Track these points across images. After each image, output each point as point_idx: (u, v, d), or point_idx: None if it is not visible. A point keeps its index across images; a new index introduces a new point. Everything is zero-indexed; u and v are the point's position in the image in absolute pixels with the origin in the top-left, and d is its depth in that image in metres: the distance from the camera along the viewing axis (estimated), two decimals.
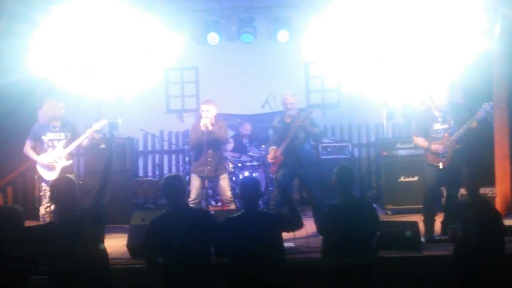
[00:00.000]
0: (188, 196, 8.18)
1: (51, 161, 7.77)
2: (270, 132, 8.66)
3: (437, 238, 7.33)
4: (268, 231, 5.27)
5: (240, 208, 6.59)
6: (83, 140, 7.89)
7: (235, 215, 5.51)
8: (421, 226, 7.31)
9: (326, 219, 5.74)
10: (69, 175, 5.36)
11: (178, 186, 5.44)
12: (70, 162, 7.91)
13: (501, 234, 5.75)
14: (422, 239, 7.12)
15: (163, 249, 5.26)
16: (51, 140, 7.87)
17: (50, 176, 7.78)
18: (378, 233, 5.65)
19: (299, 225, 5.63)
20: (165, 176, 5.73)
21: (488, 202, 5.98)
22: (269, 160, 8.33)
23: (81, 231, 4.82)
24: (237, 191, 9.77)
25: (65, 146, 7.86)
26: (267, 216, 5.51)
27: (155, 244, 5.29)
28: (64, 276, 4.79)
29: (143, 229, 5.74)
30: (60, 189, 5.02)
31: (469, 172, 6.04)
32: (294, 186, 10.06)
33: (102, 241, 5.04)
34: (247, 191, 5.44)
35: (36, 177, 8.01)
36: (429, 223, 7.48)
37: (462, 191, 7.75)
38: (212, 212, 7.68)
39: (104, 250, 5.09)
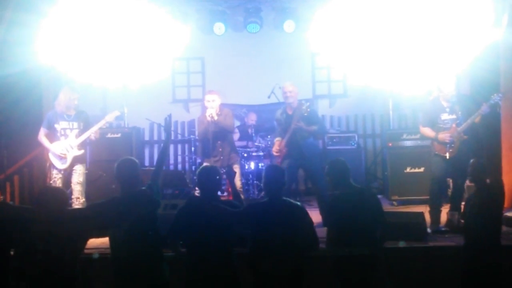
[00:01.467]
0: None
1: (63, 152, 7.81)
2: (275, 123, 8.67)
3: (443, 229, 7.32)
4: (291, 220, 5.21)
5: (250, 200, 6.56)
6: (93, 131, 7.93)
7: (260, 201, 5.49)
8: (427, 217, 7.31)
9: (328, 209, 5.74)
10: (131, 157, 5.60)
11: (212, 177, 5.45)
12: (81, 152, 7.95)
13: (499, 223, 5.78)
14: (428, 230, 7.12)
15: (187, 237, 5.30)
16: (64, 129, 7.92)
17: (61, 165, 7.85)
18: (383, 223, 5.65)
19: (315, 243, 5.44)
20: (201, 166, 5.81)
21: (494, 189, 5.94)
22: (274, 153, 8.34)
23: (135, 208, 5.15)
24: (243, 181, 9.85)
25: (77, 136, 7.89)
26: (292, 206, 5.38)
27: (180, 232, 5.33)
28: (119, 250, 5.19)
29: None
30: (124, 168, 5.36)
31: (475, 161, 6.02)
32: (299, 177, 10.07)
33: (155, 221, 5.33)
34: (271, 179, 5.40)
35: (48, 164, 8.06)
36: (435, 214, 7.48)
37: (468, 182, 7.75)
38: (227, 200, 7.66)
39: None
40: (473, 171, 5.92)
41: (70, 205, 7.29)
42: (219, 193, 9.91)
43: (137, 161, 5.52)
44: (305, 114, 7.91)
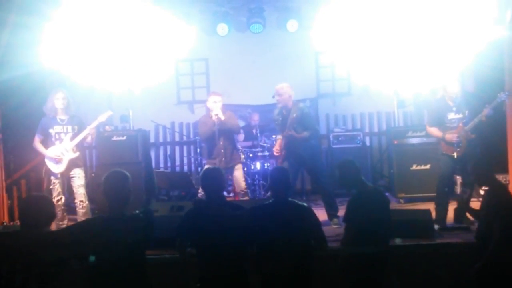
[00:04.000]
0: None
1: (58, 154, 7.82)
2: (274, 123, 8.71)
3: (450, 226, 7.32)
4: (297, 220, 5.20)
5: (256, 200, 6.51)
6: (87, 133, 7.93)
7: (265, 203, 5.49)
8: (434, 214, 7.30)
9: (350, 208, 5.71)
10: (120, 170, 4.97)
11: (216, 178, 5.40)
12: (76, 154, 7.94)
13: (506, 221, 5.51)
14: (435, 227, 7.11)
15: (195, 241, 5.29)
16: (58, 133, 7.92)
17: (58, 169, 7.86)
18: (390, 221, 5.65)
19: (324, 242, 5.43)
20: (204, 168, 5.72)
21: (502, 186, 5.89)
22: (275, 153, 8.38)
23: (123, 235, 4.66)
24: (249, 181, 9.86)
25: (72, 139, 7.90)
26: (298, 207, 5.38)
27: (187, 234, 5.32)
28: (102, 273, 4.67)
29: (157, 220, 5.72)
30: (113, 183, 4.83)
31: (476, 164, 5.99)
32: (305, 177, 10.07)
33: (145, 247, 4.89)
34: (277, 180, 5.40)
35: (44, 170, 8.07)
36: (442, 211, 7.46)
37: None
38: (234, 202, 7.66)
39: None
40: (479, 174, 5.86)
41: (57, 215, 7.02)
42: (225, 193, 10.07)
43: (128, 174, 4.95)
44: (294, 115, 7.95)
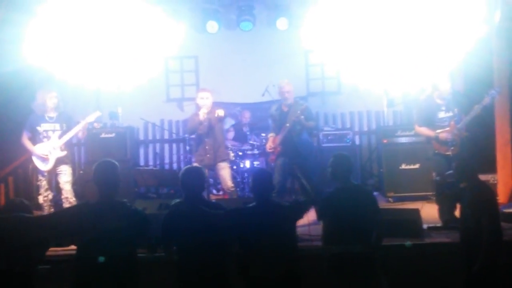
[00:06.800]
0: None
1: (45, 152, 7.80)
2: (270, 119, 8.70)
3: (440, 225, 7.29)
4: (281, 223, 5.18)
5: (245, 198, 6.50)
6: (77, 132, 7.91)
7: (248, 205, 5.43)
8: (424, 214, 7.24)
9: (324, 204, 5.71)
10: (109, 159, 5.20)
11: (195, 178, 5.34)
12: (64, 153, 7.91)
13: (494, 219, 5.50)
14: (424, 226, 7.08)
15: (176, 242, 5.25)
16: (46, 131, 7.90)
17: (44, 166, 7.83)
18: (379, 221, 5.61)
19: (307, 208, 5.56)
20: (184, 168, 5.65)
21: (485, 186, 5.87)
22: (268, 149, 8.37)
23: (110, 219, 4.78)
24: (238, 179, 9.84)
25: (60, 137, 7.87)
26: (281, 208, 5.36)
27: (171, 238, 5.28)
28: (85, 259, 4.78)
29: None
30: (102, 171, 5.00)
31: (459, 163, 5.96)
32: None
33: (135, 239, 5.02)
34: (258, 183, 5.35)
35: (30, 167, 8.05)
36: (447, 211, 7.24)
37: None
38: (213, 201, 7.66)
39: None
40: (463, 171, 5.84)
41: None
42: (214, 191, 10.03)
43: (117, 164, 5.12)
44: (301, 117, 7.94)
